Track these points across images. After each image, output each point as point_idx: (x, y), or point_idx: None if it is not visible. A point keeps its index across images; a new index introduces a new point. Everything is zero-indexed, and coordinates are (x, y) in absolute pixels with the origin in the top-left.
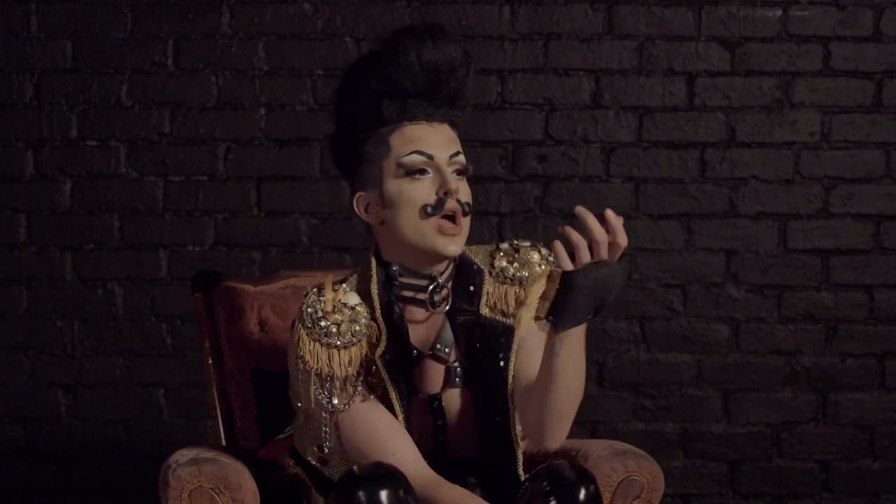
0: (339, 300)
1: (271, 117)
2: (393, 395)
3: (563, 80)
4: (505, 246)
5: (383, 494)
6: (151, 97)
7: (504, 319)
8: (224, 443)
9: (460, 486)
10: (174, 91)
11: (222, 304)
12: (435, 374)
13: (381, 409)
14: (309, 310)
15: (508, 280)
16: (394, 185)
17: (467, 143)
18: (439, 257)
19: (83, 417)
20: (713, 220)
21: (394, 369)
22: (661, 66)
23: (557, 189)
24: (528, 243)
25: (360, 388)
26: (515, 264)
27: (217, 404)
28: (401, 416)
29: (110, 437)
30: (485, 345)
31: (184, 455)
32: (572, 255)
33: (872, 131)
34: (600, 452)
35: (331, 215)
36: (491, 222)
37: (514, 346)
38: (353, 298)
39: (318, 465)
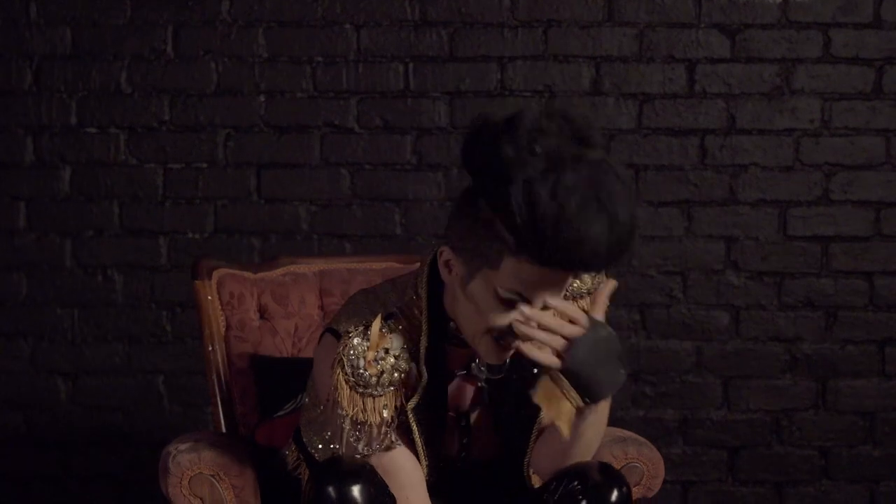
0: (383, 347)
1: (271, 104)
2: (419, 447)
3: (563, 67)
4: None
5: (355, 490)
6: (151, 84)
7: None
8: (224, 429)
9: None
10: (174, 78)
11: (222, 291)
12: (466, 394)
13: (406, 457)
14: (351, 356)
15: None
16: (481, 292)
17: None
18: (483, 360)
19: (83, 404)
20: (713, 207)
21: (426, 417)
22: (661, 52)
23: None
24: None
25: (391, 433)
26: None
27: (217, 391)
28: (424, 465)
29: (110, 424)
30: (517, 373)
31: (184, 442)
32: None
33: (872, 118)
34: (602, 440)
35: (330, 202)
36: None
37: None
38: (397, 343)
39: (320, 457)
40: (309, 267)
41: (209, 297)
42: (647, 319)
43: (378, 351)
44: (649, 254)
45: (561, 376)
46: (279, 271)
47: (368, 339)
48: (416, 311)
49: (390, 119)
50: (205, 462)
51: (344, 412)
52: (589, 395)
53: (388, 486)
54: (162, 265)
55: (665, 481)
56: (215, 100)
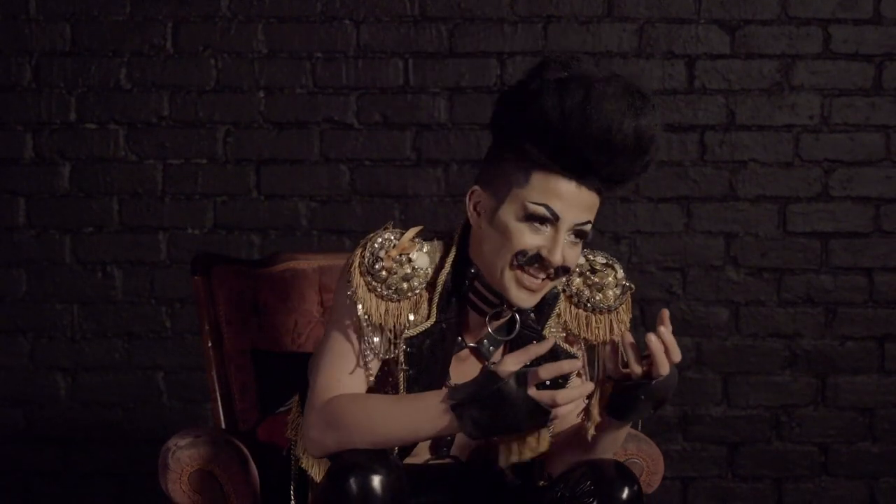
0: (407, 254)
1: (270, 100)
2: (401, 377)
3: None
4: (583, 262)
5: (376, 481)
6: (150, 80)
7: (567, 348)
8: (224, 425)
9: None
10: (173, 74)
11: (222, 286)
12: (469, 368)
13: (360, 346)
14: (376, 245)
15: (583, 305)
16: (509, 216)
17: (468, 126)
18: (509, 300)
19: (83, 400)
20: (713, 204)
21: (422, 355)
22: (660, 48)
23: None
24: (603, 260)
25: (366, 337)
26: (592, 290)
27: (216, 387)
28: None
29: (110, 421)
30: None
31: (183, 438)
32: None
33: (872, 114)
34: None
35: (330, 198)
36: None
37: (572, 379)
38: (422, 261)
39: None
40: (308, 263)
41: (209, 293)
42: (647, 315)
43: (402, 255)
44: (649, 250)
45: (608, 388)
46: (279, 267)
47: (398, 239)
48: (451, 253)
49: (390, 115)
50: (204, 458)
51: (353, 287)
52: (626, 415)
53: (404, 476)
54: (161, 261)
55: (664, 477)
56: (215, 96)
